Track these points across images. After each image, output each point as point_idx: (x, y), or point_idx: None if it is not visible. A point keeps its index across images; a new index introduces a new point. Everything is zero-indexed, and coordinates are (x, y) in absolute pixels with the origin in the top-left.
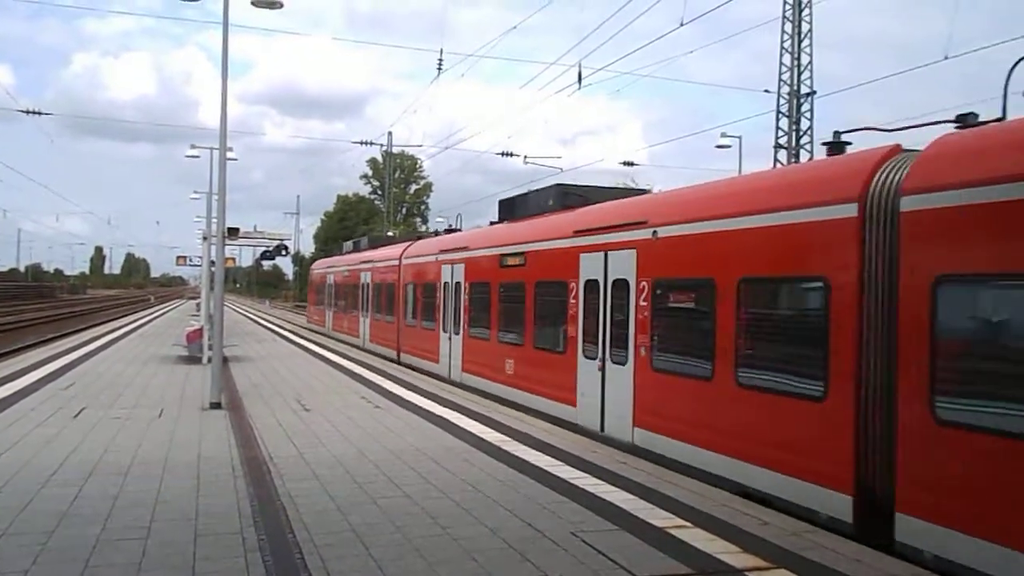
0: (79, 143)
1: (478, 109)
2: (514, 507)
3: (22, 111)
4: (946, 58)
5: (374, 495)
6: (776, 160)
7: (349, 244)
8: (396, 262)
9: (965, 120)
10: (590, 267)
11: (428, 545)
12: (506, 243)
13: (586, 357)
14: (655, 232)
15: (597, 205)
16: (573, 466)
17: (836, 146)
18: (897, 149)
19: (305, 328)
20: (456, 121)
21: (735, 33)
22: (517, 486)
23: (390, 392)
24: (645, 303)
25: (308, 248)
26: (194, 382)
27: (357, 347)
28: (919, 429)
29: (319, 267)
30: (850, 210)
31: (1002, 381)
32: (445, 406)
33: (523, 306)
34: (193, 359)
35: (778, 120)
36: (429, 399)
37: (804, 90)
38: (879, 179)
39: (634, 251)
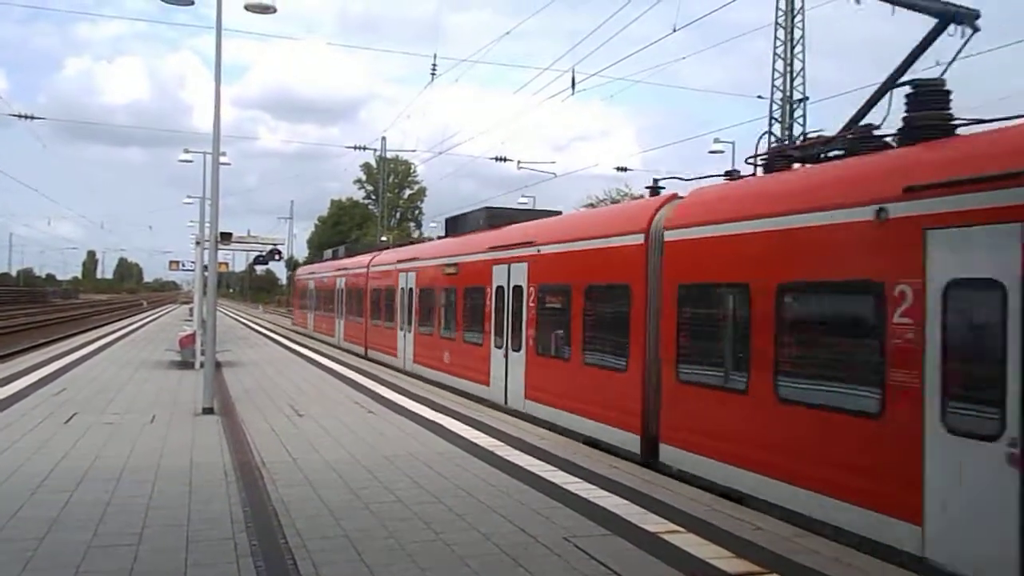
0: (72, 147)
1: (472, 114)
2: (507, 512)
3: (14, 115)
4: (937, 63)
5: (367, 500)
6: None
7: (329, 252)
8: (364, 270)
9: (731, 174)
10: (499, 276)
11: (421, 551)
12: (445, 255)
13: (495, 347)
14: (539, 250)
15: (509, 226)
16: (566, 471)
17: (654, 190)
18: (672, 196)
19: (296, 332)
20: (450, 126)
21: (728, 39)
22: (510, 491)
23: (384, 397)
24: (533, 304)
25: (302, 253)
26: (187, 387)
27: (333, 345)
28: (670, 387)
29: (302, 274)
30: (639, 238)
31: (708, 353)
32: (438, 411)
33: (455, 307)
34: (186, 364)
35: (771, 126)
36: (422, 404)
37: (797, 96)
38: (657, 218)
39: (526, 264)
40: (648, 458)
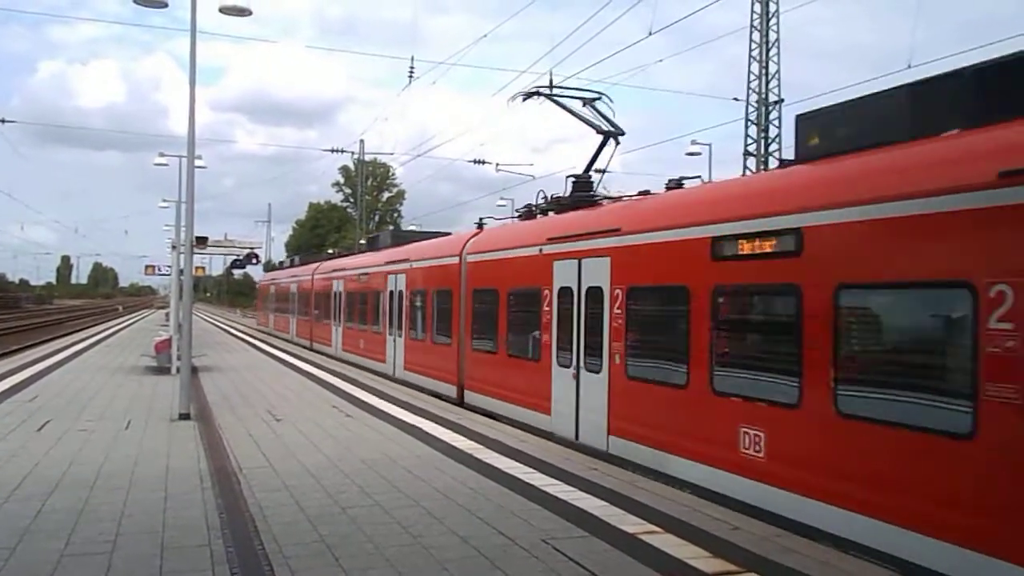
0: (45, 151)
1: (451, 117)
2: (486, 515)
3: None
4: (909, 67)
5: (345, 505)
6: (745, 167)
7: (287, 261)
8: (310, 277)
9: (527, 212)
10: (391, 283)
11: (399, 555)
12: (363, 266)
13: (389, 335)
14: (411, 264)
15: (406, 246)
16: (545, 473)
17: (479, 225)
18: (479, 231)
19: (261, 331)
20: (429, 129)
21: (705, 42)
22: (489, 494)
23: (362, 401)
24: (407, 304)
25: (280, 257)
26: (163, 393)
27: (288, 340)
28: (468, 354)
29: (265, 279)
30: (455, 259)
31: (484, 331)
32: (417, 414)
33: (366, 306)
34: (162, 370)
35: (747, 128)
36: (401, 408)
37: (772, 98)
38: (466, 246)
39: (404, 275)
40: (460, 400)
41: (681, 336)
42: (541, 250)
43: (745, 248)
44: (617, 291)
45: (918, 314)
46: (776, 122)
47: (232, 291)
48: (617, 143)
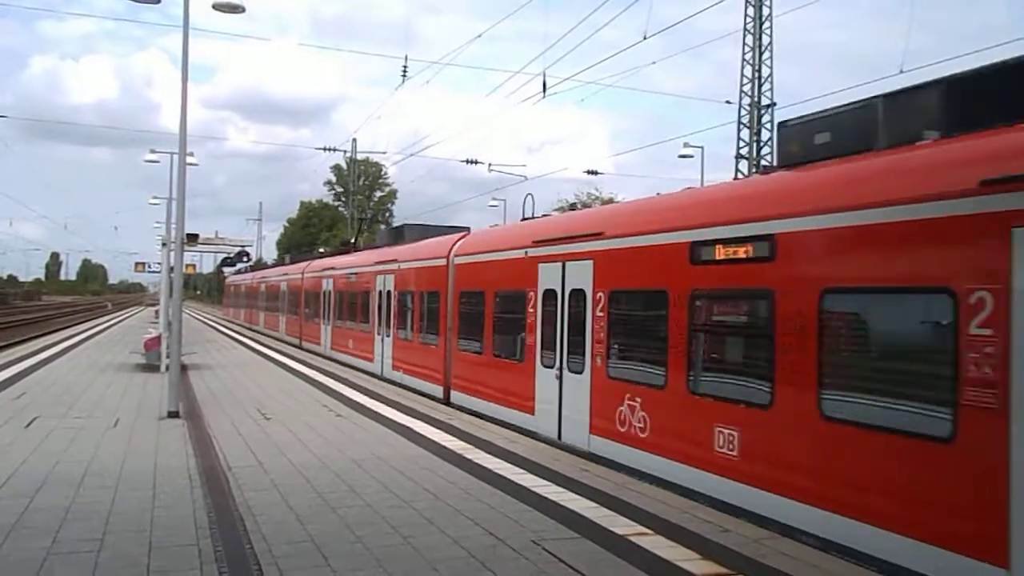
0: (36, 147)
1: (444, 117)
2: (476, 516)
3: None
4: (901, 72)
5: (334, 505)
6: (737, 170)
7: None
8: (298, 276)
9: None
10: (378, 283)
11: (388, 555)
12: (351, 266)
13: (377, 334)
14: (399, 266)
15: (398, 247)
16: (535, 474)
17: (459, 228)
18: (467, 234)
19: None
20: (422, 128)
21: (698, 45)
22: (479, 495)
23: (352, 400)
24: (395, 303)
25: (271, 255)
26: (151, 391)
27: (258, 331)
28: (454, 353)
29: (232, 281)
30: (443, 261)
31: (470, 331)
32: (408, 414)
33: (356, 304)
34: (151, 367)
35: (739, 131)
36: (391, 406)
37: (765, 101)
38: (453, 248)
39: (393, 275)
40: (446, 400)
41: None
42: (527, 252)
43: (720, 253)
44: (599, 294)
45: (890, 319)
46: (768, 125)
47: (222, 289)
48: None
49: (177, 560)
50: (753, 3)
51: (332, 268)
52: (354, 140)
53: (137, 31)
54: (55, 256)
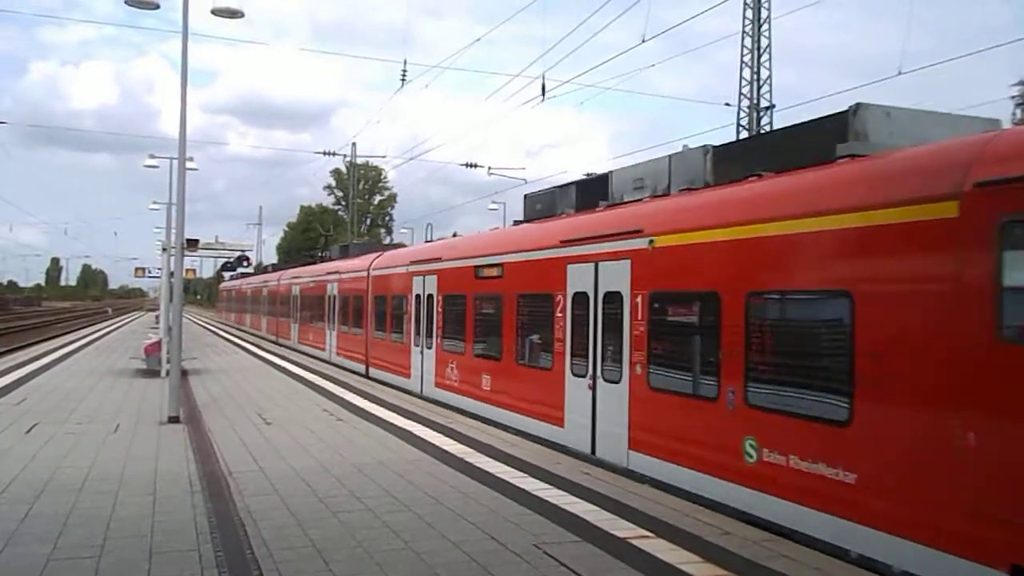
0: (36, 152)
1: (444, 120)
2: (477, 520)
3: None
4: (900, 73)
5: (335, 509)
6: None
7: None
8: (275, 283)
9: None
10: (329, 289)
11: (389, 559)
12: (311, 275)
13: (329, 329)
14: (341, 276)
15: (343, 260)
16: (536, 478)
17: (395, 246)
18: (382, 253)
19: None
20: (422, 132)
21: (697, 47)
22: (480, 498)
23: (353, 404)
24: (338, 304)
25: (271, 259)
26: (152, 396)
27: (245, 330)
28: (371, 341)
29: (224, 287)
30: (364, 273)
31: (390, 324)
32: (408, 418)
33: (322, 308)
34: (151, 372)
35: (739, 133)
36: (392, 411)
37: (764, 103)
38: (371, 264)
39: (337, 283)
40: (366, 374)
41: (497, 329)
42: (408, 269)
43: (487, 272)
44: (440, 296)
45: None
46: (768, 127)
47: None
48: None
49: (178, 565)
50: (752, 5)
51: (298, 277)
52: (354, 144)
53: (137, 37)
54: (55, 262)
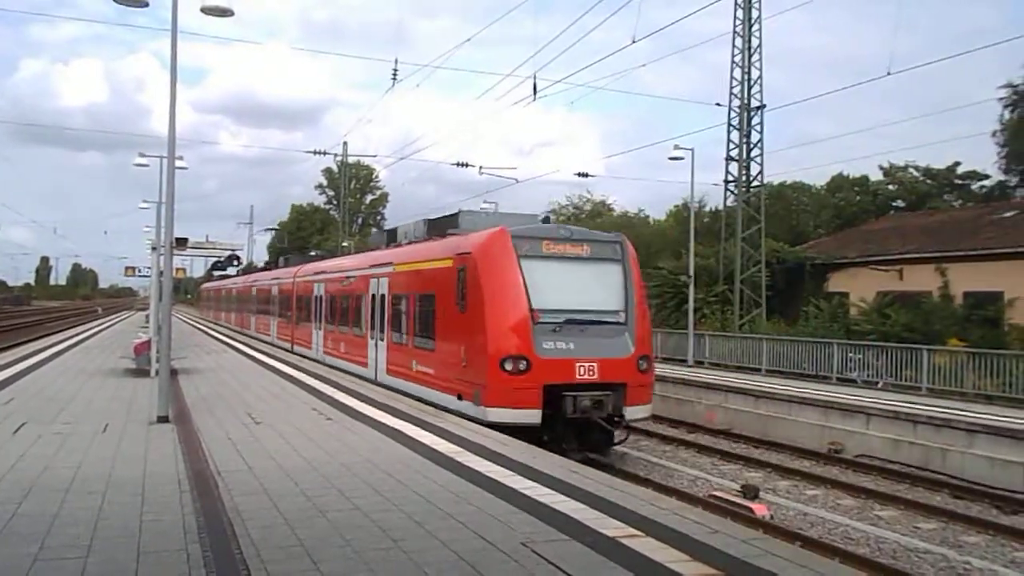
0: (25, 151)
1: (435, 120)
2: (466, 519)
3: None
4: (889, 74)
5: (324, 509)
6: (727, 171)
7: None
8: (241, 284)
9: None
10: (273, 290)
11: (378, 559)
12: (264, 279)
13: (273, 319)
14: (279, 281)
15: (281, 269)
16: (526, 477)
17: (324, 256)
18: (304, 264)
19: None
20: (413, 131)
21: (687, 48)
22: (469, 498)
23: (342, 404)
24: (279, 303)
25: (262, 259)
26: (141, 395)
27: (221, 325)
28: (295, 328)
29: (204, 287)
30: (291, 280)
31: (308, 316)
32: (399, 418)
33: (268, 303)
34: (141, 372)
35: (729, 133)
36: (381, 410)
37: (754, 104)
38: (296, 274)
39: (278, 286)
40: (291, 349)
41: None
42: (309, 279)
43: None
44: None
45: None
46: (758, 127)
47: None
48: None
49: (166, 565)
50: (743, 5)
51: (257, 280)
52: (345, 143)
53: (127, 35)
54: (45, 261)
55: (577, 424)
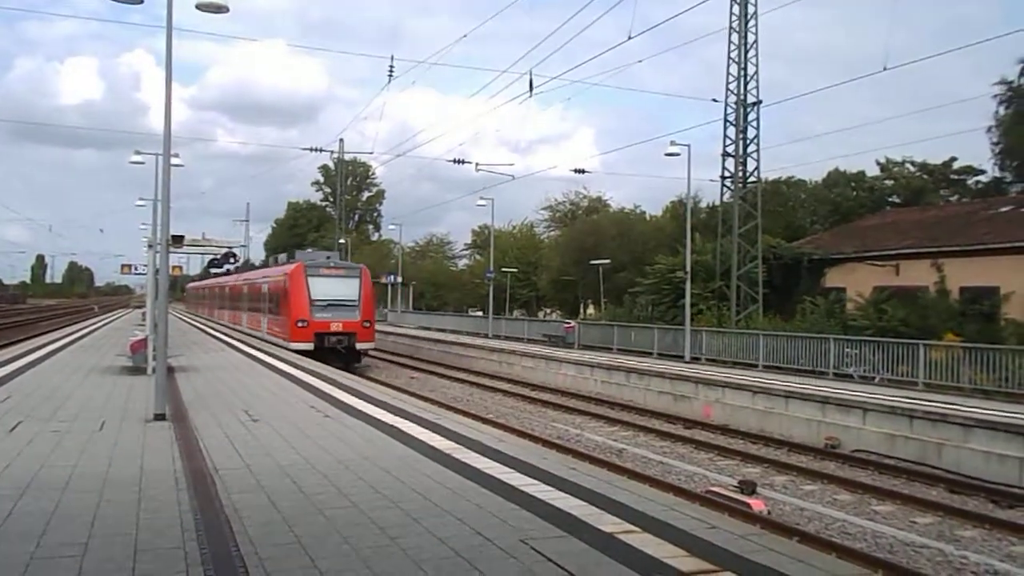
0: (20, 149)
1: (432, 116)
2: (463, 515)
3: None
4: (885, 69)
5: (321, 506)
6: (724, 167)
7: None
8: (212, 284)
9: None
10: (216, 291)
11: (376, 555)
12: (233, 282)
13: (220, 309)
14: (236, 283)
15: (241, 273)
16: (523, 473)
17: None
18: (244, 272)
19: (203, 318)
20: (410, 128)
21: (684, 43)
22: (467, 494)
23: (340, 401)
24: (217, 299)
25: (259, 256)
26: (138, 393)
27: (201, 317)
28: (235, 319)
29: (189, 286)
30: (234, 284)
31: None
32: (396, 414)
33: (222, 299)
34: (137, 370)
35: (726, 128)
36: (379, 407)
37: (751, 99)
38: (236, 279)
39: (229, 286)
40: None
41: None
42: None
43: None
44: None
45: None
46: (755, 123)
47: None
48: None
49: (163, 563)
50: (739, 1)
51: (219, 282)
52: (341, 140)
53: (124, 32)
54: (40, 259)
55: (334, 350)
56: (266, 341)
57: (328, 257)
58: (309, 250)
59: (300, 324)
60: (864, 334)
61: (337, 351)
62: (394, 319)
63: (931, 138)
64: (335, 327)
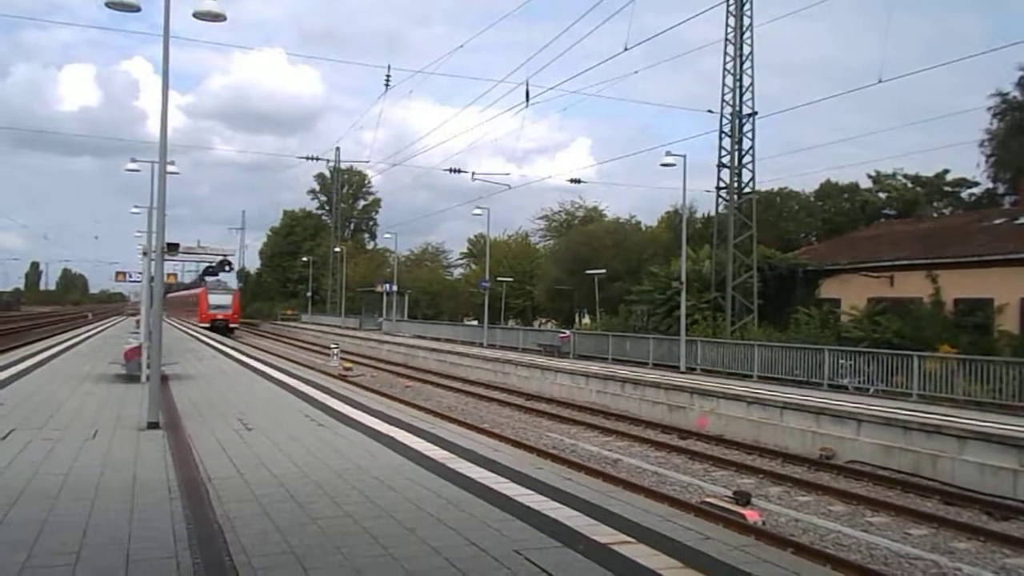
0: (16, 156)
1: (428, 126)
2: (458, 525)
3: None
4: (880, 81)
5: (315, 516)
6: (719, 178)
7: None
8: (178, 296)
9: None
10: (186, 300)
11: (369, 566)
12: (183, 293)
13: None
14: (182, 294)
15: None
16: (518, 483)
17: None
18: (206, 285)
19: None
20: (407, 138)
21: (679, 55)
22: (461, 504)
23: (334, 410)
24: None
25: (254, 264)
26: (131, 401)
27: (174, 320)
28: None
29: (168, 296)
30: (184, 295)
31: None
32: (390, 423)
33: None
34: (131, 378)
35: (721, 139)
36: (373, 416)
37: (746, 111)
38: (185, 292)
39: (198, 295)
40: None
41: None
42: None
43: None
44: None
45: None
46: (750, 134)
47: None
48: None
49: (155, 572)
50: (734, 13)
51: (181, 294)
52: (337, 149)
53: (121, 40)
54: (35, 266)
55: (220, 329)
56: (190, 324)
57: (219, 282)
58: (212, 278)
59: (205, 317)
60: (859, 345)
61: (220, 328)
62: (389, 328)
63: (923, 150)
64: (219, 317)
